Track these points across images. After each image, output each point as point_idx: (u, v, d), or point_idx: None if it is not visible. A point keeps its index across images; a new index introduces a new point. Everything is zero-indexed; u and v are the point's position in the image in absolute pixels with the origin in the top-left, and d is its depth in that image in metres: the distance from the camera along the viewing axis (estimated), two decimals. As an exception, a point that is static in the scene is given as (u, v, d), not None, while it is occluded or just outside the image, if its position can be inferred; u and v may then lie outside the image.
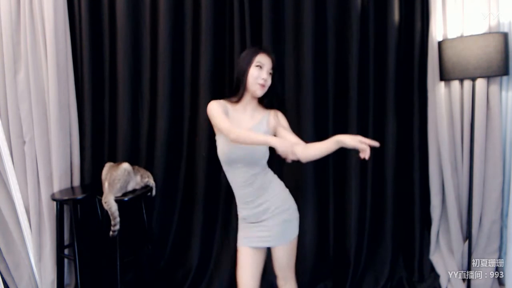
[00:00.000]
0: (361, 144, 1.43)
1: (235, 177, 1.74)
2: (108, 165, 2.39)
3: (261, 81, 1.70)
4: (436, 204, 2.35)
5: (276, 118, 1.79)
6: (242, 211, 1.80)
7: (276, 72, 1.77)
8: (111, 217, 2.21)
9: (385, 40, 2.30)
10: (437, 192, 2.34)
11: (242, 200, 1.77)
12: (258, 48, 1.77)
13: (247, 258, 1.75)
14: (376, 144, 1.46)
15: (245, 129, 1.70)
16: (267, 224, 1.74)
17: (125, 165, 2.32)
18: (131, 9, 2.48)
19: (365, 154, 1.43)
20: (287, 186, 1.83)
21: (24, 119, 2.52)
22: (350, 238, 2.42)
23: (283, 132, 1.73)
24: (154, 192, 2.47)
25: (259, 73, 1.70)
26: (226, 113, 1.70)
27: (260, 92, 1.73)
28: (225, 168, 1.76)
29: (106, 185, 2.27)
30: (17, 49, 2.50)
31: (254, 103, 1.79)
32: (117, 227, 2.21)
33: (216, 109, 1.68)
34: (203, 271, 2.56)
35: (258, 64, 1.71)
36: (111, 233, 2.22)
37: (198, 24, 2.42)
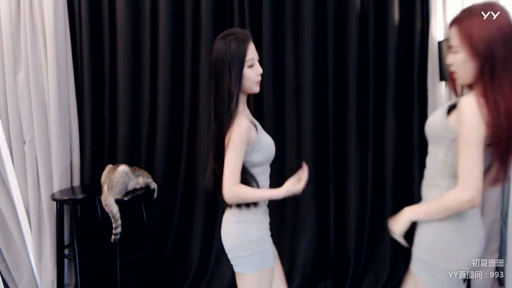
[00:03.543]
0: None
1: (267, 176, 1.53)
2: (107, 168, 2.38)
3: (259, 78, 1.39)
4: (436, 204, 2.35)
5: None
6: (266, 218, 1.52)
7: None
8: (112, 220, 2.20)
9: (385, 40, 2.30)
10: (437, 192, 2.33)
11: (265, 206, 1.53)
12: (243, 40, 1.33)
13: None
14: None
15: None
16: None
17: (123, 167, 2.32)
18: (131, 9, 2.48)
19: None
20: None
21: (24, 119, 2.52)
22: (350, 238, 2.41)
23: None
24: (155, 195, 2.47)
25: (254, 71, 1.37)
26: (249, 140, 1.38)
27: (258, 88, 1.42)
28: (263, 168, 1.49)
29: (105, 188, 2.27)
30: (17, 49, 2.50)
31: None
32: (119, 230, 2.20)
33: (240, 140, 1.33)
34: (203, 271, 2.56)
35: (251, 63, 1.35)
36: (112, 237, 2.20)
37: (198, 24, 2.42)
